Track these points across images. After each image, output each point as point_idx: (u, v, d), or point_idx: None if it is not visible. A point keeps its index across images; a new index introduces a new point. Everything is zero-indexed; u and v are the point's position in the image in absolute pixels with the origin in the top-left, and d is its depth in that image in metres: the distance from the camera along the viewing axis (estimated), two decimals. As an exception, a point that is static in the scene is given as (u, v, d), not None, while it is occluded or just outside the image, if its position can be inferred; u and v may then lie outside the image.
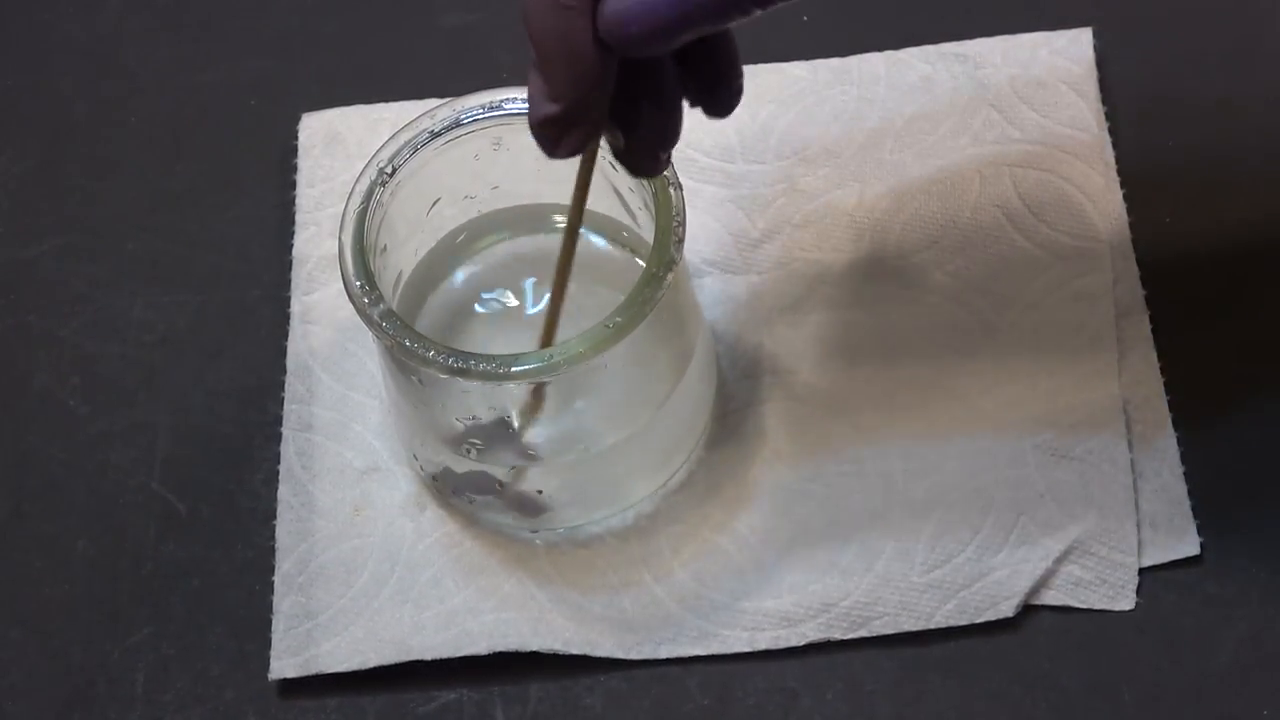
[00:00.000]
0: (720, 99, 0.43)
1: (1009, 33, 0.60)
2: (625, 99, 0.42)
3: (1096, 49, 0.59)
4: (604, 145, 0.48)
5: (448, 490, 0.52)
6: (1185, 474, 0.52)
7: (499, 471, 0.50)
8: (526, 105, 0.41)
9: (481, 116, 0.49)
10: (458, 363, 0.45)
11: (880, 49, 0.60)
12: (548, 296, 0.48)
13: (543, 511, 0.52)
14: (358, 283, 0.47)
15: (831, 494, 0.53)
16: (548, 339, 0.48)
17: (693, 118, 0.58)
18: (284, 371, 0.56)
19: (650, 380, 0.51)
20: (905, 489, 0.52)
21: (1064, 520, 0.51)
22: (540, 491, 0.51)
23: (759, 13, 0.38)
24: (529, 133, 0.49)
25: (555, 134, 0.41)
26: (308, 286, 0.57)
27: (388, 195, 0.49)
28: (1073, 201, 0.56)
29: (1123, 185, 0.57)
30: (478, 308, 0.53)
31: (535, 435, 0.50)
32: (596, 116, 0.41)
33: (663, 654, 0.51)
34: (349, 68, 0.63)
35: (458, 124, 0.49)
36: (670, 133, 0.43)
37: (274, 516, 0.53)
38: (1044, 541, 0.51)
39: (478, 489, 0.51)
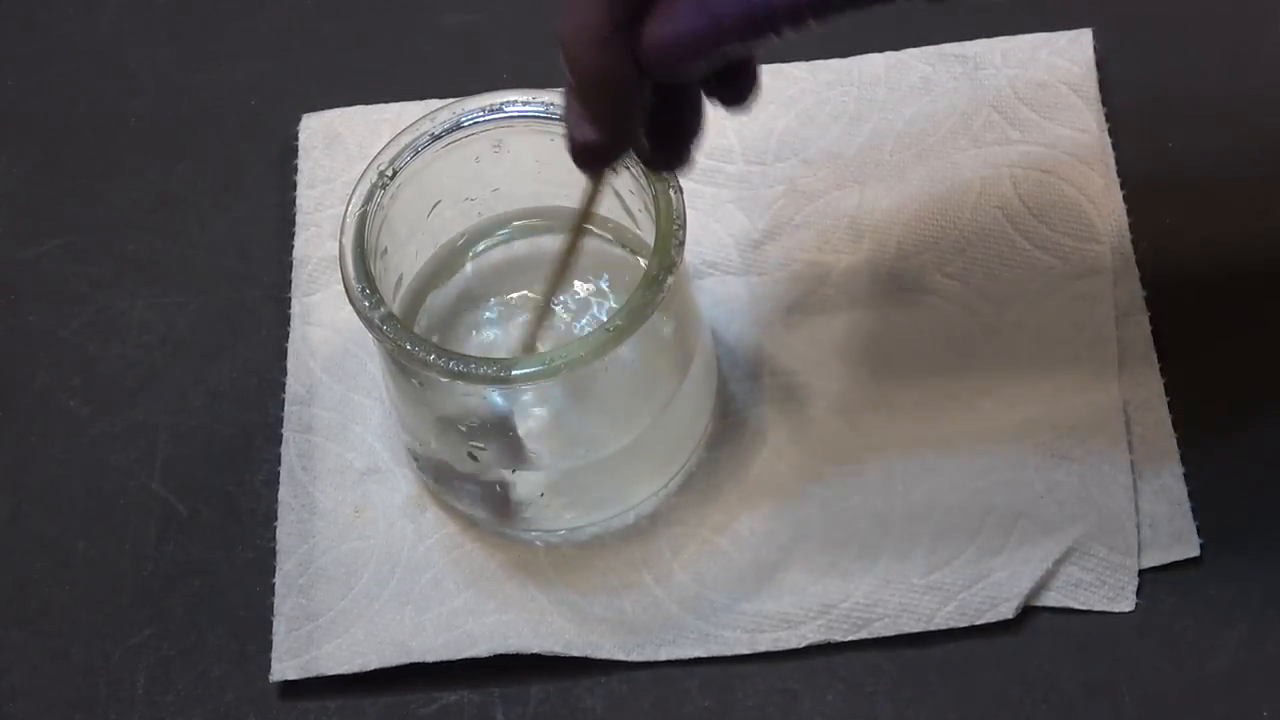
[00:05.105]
0: (740, 101, 0.44)
1: (1009, 33, 0.60)
2: (654, 112, 0.42)
3: (1096, 49, 0.59)
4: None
5: (448, 492, 0.52)
6: (1185, 475, 0.52)
7: (499, 474, 0.50)
8: (565, 129, 0.42)
9: (482, 119, 0.49)
10: (458, 366, 0.45)
11: (880, 50, 0.60)
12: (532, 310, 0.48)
13: (543, 513, 0.52)
14: (358, 285, 0.47)
15: (831, 495, 0.53)
16: (530, 347, 0.49)
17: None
18: (284, 372, 0.56)
19: (651, 383, 0.51)
20: (905, 490, 0.52)
21: (1064, 522, 0.51)
22: (541, 494, 0.51)
23: (791, 34, 0.39)
24: (529, 135, 0.50)
25: (596, 157, 0.42)
26: (308, 287, 0.57)
27: (388, 198, 0.49)
28: (1073, 203, 0.56)
29: (1123, 186, 0.57)
30: (478, 310, 0.53)
31: (536, 438, 0.50)
32: (633, 135, 0.42)
33: (663, 656, 0.51)
34: (349, 68, 0.63)
35: (458, 126, 0.49)
36: (695, 136, 0.44)
37: (275, 518, 0.53)
38: (1044, 543, 0.51)
39: (478, 491, 0.51)
